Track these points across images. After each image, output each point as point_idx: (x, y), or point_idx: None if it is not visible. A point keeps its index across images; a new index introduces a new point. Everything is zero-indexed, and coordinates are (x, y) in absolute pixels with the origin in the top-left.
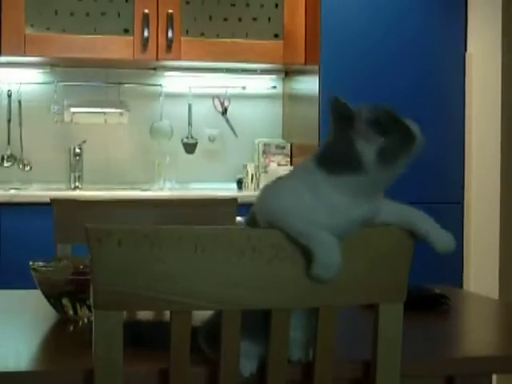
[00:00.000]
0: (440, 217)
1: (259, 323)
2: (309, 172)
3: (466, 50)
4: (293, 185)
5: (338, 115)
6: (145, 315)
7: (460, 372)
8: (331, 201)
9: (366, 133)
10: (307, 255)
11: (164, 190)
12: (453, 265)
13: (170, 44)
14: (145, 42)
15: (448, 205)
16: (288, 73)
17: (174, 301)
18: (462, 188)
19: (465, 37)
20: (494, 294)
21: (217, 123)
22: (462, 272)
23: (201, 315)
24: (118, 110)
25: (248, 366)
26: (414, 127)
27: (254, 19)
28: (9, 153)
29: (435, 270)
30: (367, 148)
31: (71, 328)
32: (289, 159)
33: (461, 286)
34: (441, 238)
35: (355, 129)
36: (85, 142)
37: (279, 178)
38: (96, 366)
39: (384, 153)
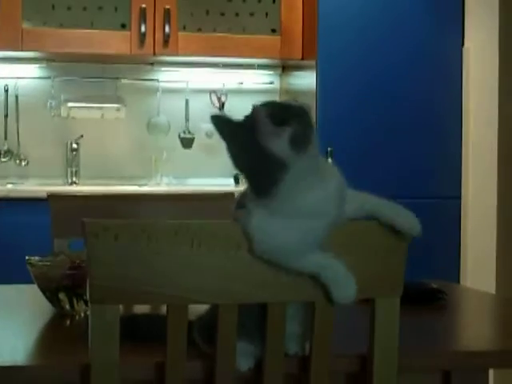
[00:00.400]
0: (438, 212)
1: (255, 323)
2: (254, 205)
3: (463, 44)
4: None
5: (226, 131)
6: (141, 309)
7: (457, 366)
8: (295, 214)
9: (273, 130)
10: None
11: (161, 185)
12: (450, 260)
13: (167, 39)
14: (142, 37)
15: (446, 200)
16: (285, 68)
17: (170, 295)
18: (459, 184)
19: (462, 31)
20: (491, 289)
21: None
22: (460, 267)
23: (196, 309)
24: (115, 105)
25: (245, 362)
26: (304, 105)
27: (251, 14)
28: (6, 148)
29: (432, 265)
30: (278, 143)
31: (68, 322)
32: None
33: (458, 281)
34: (407, 222)
35: (259, 133)
36: (82, 136)
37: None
38: (92, 359)
39: (295, 138)
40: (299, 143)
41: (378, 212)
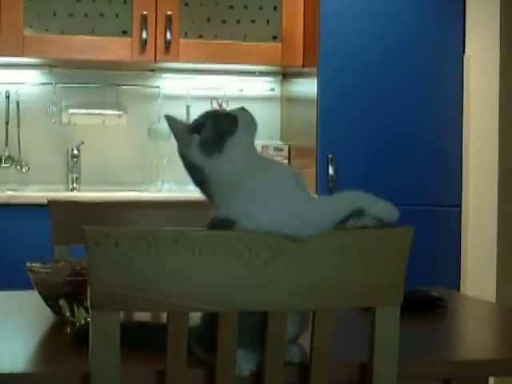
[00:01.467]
0: (438, 220)
1: (255, 330)
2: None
3: (464, 51)
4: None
5: (175, 133)
6: (142, 317)
7: (457, 375)
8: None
9: (186, 139)
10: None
11: (162, 192)
12: (450, 268)
13: (168, 46)
14: (143, 44)
15: (446, 208)
16: (286, 75)
17: (170, 302)
18: (460, 192)
19: (463, 38)
20: (492, 297)
21: None
22: (460, 275)
23: (195, 317)
24: (116, 112)
25: (246, 366)
26: (235, 110)
27: (253, 21)
28: (7, 154)
29: (433, 273)
30: (190, 150)
31: (68, 330)
32: (287, 161)
33: (458, 289)
34: (383, 210)
35: (177, 141)
36: (83, 143)
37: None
38: (93, 367)
39: (203, 143)
40: (205, 147)
41: (361, 206)
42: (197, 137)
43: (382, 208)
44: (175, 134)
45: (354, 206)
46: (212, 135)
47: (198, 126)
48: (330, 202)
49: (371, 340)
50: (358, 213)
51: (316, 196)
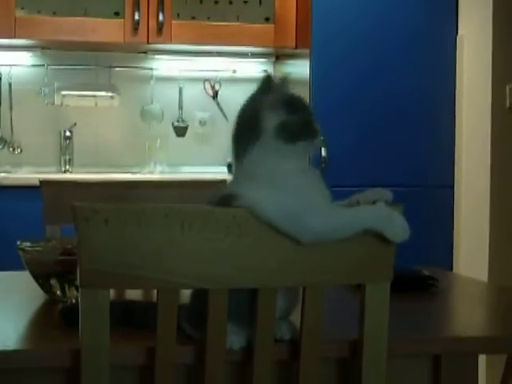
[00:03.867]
0: (431, 200)
1: (244, 305)
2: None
3: (457, 32)
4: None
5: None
6: (132, 295)
7: (446, 351)
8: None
9: (274, 106)
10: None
11: (154, 173)
12: (443, 248)
13: (160, 27)
14: (135, 25)
15: (439, 188)
16: (279, 56)
17: (160, 279)
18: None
19: (456, 19)
20: (484, 278)
21: (207, 107)
22: (452, 255)
23: (185, 295)
24: (109, 94)
25: (237, 341)
26: (317, 125)
27: (245, 2)
28: None
29: (425, 254)
30: (270, 118)
31: (59, 308)
32: None
33: (451, 269)
34: (395, 233)
35: (265, 101)
36: (75, 124)
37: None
38: (83, 344)
39: (284, 127)
40: (284, 131)
41: (374, 227)
42: (284, 116)
43: (395, 230)
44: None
45: (367, 226)
46: (294, 128)
47: (291, 108)
48: (344, 217)
49: (361, 316)
50: (368, 232)
51: (329, 201)
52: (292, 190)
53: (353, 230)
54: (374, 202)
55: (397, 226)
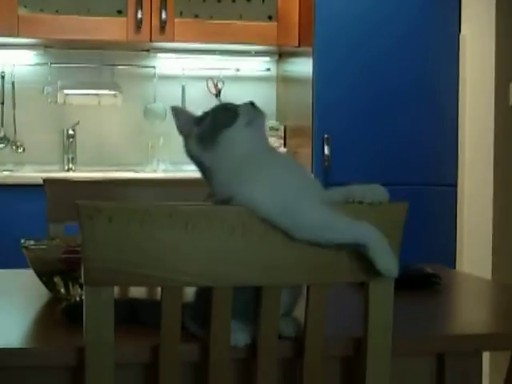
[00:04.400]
0: (434, 199)
1: (248, 303)
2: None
3: (459, 31)
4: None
5: (177, 125)
6: (136, 293)
7: (450, 350)
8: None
9: (187, 131)
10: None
11: (157, 172)
12: (446, 246)
13: (163, 25)
14: (138, 24)
15: (442, 187)
16: (282, 55)
17: (164, 277)
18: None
19: (459, 18)
20: (487, 276)
21: (210, 105)
22: (455, 254)
23: (189, 293)
24: (112, 92)
25: (242, 337)
26: (241, 105)
27: (248, 0)
28: (2, 134)
29: (428, 252)
30: (189, 142)
31: (62, 306)
32: (282, 141)
33: (454, 267)
34: (386, 260)
35: (182, 134)
36: (78, 123)
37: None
38: (87, 342)
39: (199, 136)
40: (202, 140)
41: (365, 242)
42: (195, 129)
43: (387, 266)
44: (177, 126)
45: (359, 239)
46: (207, 129)
47: (201, 118)
48: (338, 222)
49: (365, 314)
50: (360, 246)
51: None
52: (283, 183)
53: (343, 237)
54: (370, 203)
55: (390, 263)
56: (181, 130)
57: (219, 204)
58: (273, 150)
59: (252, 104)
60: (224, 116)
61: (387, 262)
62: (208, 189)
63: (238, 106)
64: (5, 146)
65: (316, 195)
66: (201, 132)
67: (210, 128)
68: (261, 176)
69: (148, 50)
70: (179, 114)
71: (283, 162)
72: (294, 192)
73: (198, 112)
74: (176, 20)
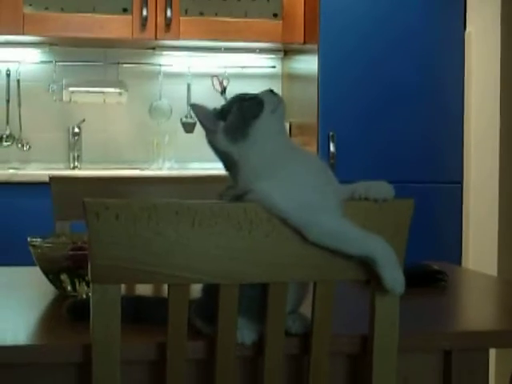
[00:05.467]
0: (440, 196)
1: (256, 300)
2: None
3: (465, 28)
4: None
5: (201, 121)
6: (142, 290)
7: (457, 346)
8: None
9: (212, 127)
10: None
11: (163, 170)
12: (452, 244)
13: (168, 23)
14: (143, 22)
15: (447, 184)
16: (287, 52)
17: (171, 274)
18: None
19: (464, 15)
20: (493, 273)
21: (216, 102)
22: (461, 251)
23: (195, 290)
24: (117, 90)
25: (249, 335)
26: (262, 94)
27: None
28: (8, 132)
29: (434, 249)
30: (216, 137)
31: (66, 304)
32: None
33: (460, 264)
34: (392, 275)
35: (208, 130)
36: (83, 121)
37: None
38: (94, 339)
39: (227, 130)
40: (230, 133)
41: (374, 257)
42: (222, 123)
43: (394, 282)
44: (201, 122)
45: (368, 253)
46: (236, 121)
47: (224, 112)
48: (351, 234)
49: (371, 312)
50: (368, 259)
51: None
52: (307, 183)
53: (354, 249)
54: (375, 200)
55: (397, 280)
56: (206, 126)
57: (234, 199)
58: (296, 146)
59: (272, 91)
60: (250, 106)
61: (394, 279)
62: (230, 181)
63: (259, 94)
64: (10, 144)
65: (335, 201)
66: (229, 125)
67: (239, 120)
68: (284, 172)
69: (153, 48)
70: (200, 110)
71: (307, 160)
72: (313, 193)
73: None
74: (181, 18)
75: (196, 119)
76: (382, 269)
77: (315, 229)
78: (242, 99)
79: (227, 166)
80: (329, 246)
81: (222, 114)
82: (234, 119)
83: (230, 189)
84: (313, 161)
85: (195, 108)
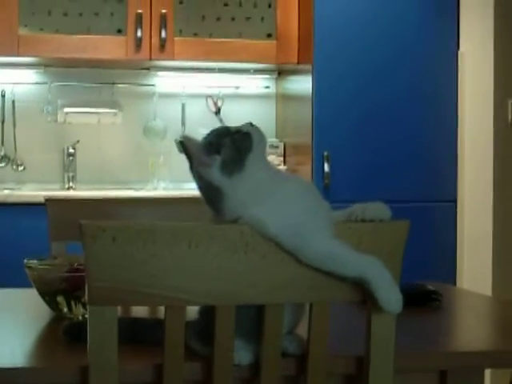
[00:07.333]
0: (434, 215)
1: (252, 321)
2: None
3: (458, 48)
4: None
5: (193, 154)
6: (139, 312)
7: (453, 366)
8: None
9: (205, 161)
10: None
11: (158, 190)
12: (446, 263)
13: (163, 44)
14: (138, 42)
15: (442, 203)
16: (281, 72)
17: (168, 296)
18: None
19: (457, 35)
20: (487, 292)
21: (210, 123)
22: (456, 270)
23: (192, 312)
24: (112, 110)
25: (246, 356)
26: (245, 127)
27: (248, 19)
28: (2, 153)
29: (428, 269)
30: (210, 171)
31: (62, 326)
32: (282, 158)
33: (454, 283)
34: (387, 295)
35: (196, 163)
36: (78, 142)
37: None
38: (91, 361)
39: (224, 164)
40: (228, 169)
41: (367, 278)
42: (217, 158)
43: (391, 302)
44: (194, 155)
45: (362, 275)
46: (232, 155)
47: (213, 145)
48: (344, 256)
49: (367, 333)
50: (362, 280)
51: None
52: (297, 206)
53: (347, 270)
54: (372, 221)
55: (392, 300)
56: (200, 160)
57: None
58: (282, 171)
59: (251, 124)
60: (242, 140)
61: (389, 299)
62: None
63: (242, 127)
64: (5, 165)
65: (327, 222)
66: (226, 159)
67: (234, 154)
68: (273, 199)
69: (148, 69)
70: (193, 143)
71: (294, 184)
72: (303, 216)
73: (198, 130)
74: (175, 38)
75: (183, 152)
76: (376, 290)
77: (308, 252)
78: (231, 133)
79: (211, 199)
80: (323, 269)
81: (213, 147)
82: (230, 153)
83: (215, 218)
84: (300, 184)
85: (188, 141)
